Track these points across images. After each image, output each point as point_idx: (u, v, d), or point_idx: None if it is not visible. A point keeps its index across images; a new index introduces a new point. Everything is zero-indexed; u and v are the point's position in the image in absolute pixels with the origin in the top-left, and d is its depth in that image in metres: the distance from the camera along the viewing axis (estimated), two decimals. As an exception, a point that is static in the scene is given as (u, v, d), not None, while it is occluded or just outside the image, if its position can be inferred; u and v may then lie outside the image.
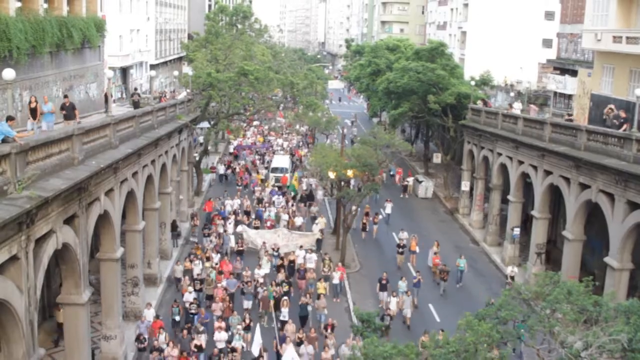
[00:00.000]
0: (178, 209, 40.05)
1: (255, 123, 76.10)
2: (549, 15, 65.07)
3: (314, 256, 33.34)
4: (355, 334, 22.91)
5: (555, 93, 46.29)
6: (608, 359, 16.49)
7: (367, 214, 41.26)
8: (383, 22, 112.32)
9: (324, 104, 66.70)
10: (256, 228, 38.25)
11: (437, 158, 55.46)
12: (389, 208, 43.79)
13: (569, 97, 43.59)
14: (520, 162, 35.18)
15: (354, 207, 36.31)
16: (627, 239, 24.52)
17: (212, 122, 47.79)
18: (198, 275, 30.35)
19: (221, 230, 37.45)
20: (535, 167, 33.19)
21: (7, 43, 23.22)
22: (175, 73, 58.44)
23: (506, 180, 38.02)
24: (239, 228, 37.17)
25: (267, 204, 43.01)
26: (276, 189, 47.01)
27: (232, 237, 36.24)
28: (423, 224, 44.15)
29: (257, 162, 58.43)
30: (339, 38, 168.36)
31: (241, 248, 34.56)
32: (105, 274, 24.19)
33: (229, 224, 38.11)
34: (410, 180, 52.46)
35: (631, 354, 15.38)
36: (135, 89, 42.49)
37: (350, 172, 35.28)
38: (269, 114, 66.53)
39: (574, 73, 43.06)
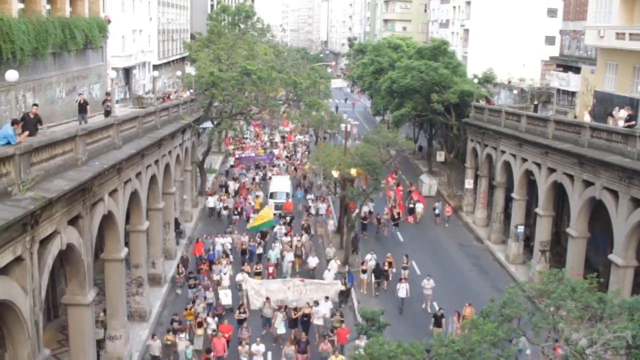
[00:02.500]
0: (182, 209, 40.10)
1: (252, 129, 68.91)
2: (552, 12, 64.97)
3: (322, 309, 26.68)
4: (360, 333, 22.89)
5: (558, 90, 46.18)
6: (613, 356, 16.48)
7: (390, 264, 32.63)
8: (385, 21, 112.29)
9: (326, 102, 66.67)
10: (257, 274, 31.00)
11: (440, 156, 55.42)
12: (428, 285, 30.31)
13: (572, 94, 43.50)
14: (524, 160, 35.12)
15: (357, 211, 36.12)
16: (631, 236, 24.46)
17: (215, 122, 47.86)
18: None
19: (217, 277, 30.77)
20: (538, 165, 33.14)
21: (10, 45, 23.27)
22: (178, 73, 58.56)
23: (510, 177, 37.97)
24: (239, 277, 29.92)
25: (260, 239, 35.43)
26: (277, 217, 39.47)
27: (227, 293, 28.84)
28: (426, 222, 44.10)
29: (256, 179, 51.44)
30: (341, 37, 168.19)
31: (244, 315, 26.58)
32: (109, 275, 24.25)
33: (224, 274, 30.50)
34: (420, 207, 44.28)
35: (635, 350, 15.35)
36: (107, 94, 31.61)
37: (353, 171, 35.26)
38: (269, 122, 66.04)
39: (577, 70, 42.95)
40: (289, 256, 33.24)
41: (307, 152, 62.47)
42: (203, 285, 29.41)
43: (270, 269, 32.31)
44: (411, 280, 31.70)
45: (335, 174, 36.05)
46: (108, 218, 22.50)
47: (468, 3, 72.64)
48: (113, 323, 24.23)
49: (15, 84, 17.97)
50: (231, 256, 33.26)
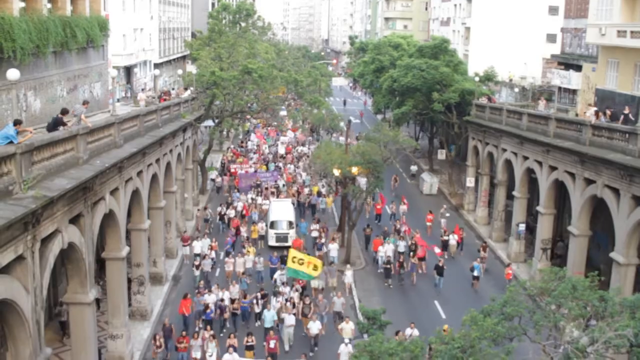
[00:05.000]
0: (183, 208, 40.11)
1: (254, 140, 61.43)
2: (553, 10, 64.85)
3: None
4: (361, 331, 22.88)
5: (559, 88, 46.14)
6: (614, 354, 16.47)
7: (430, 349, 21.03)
8: (387, 19, 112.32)
9: (327, 101, 66.51)
10: (248, 349, 23.46)
11: (441, 154, 55.41)
12: None
13: (574, 92, 43.45)
14: (525, 158, 35.10)
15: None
16: (632, 234, 24.43)
17: (216, 121, 47.87)
18: None
19: (196, 354, 23.17)
20: (540, 163, 33.12)
21: (11, 43, 23.24)
22: (179, 72, 58.61)
23: (511, 176, 37.95)
24: (227, 357, 21.97)
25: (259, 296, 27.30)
26: (274, 255, 32.44)
27: None
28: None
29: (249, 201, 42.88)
30: (342, 35, 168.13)
31: None
32: (111, 273, 24.26)
33: (209, 356, 22.80)
34: (453, 238, 37.48)
35: (637, 349, 15.38)
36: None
37: (355, 169, 35.26)
38: (271, 131, 65.25)
39: (578, 68, 42.91)
40: (289, 319, 25.37)
41: (310, 167, 49.17)
42: None
43: (272, 343, 23.50)
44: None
45: (336, 172, 36.05)
46: (109, 217, 22.50)
47: (469, 1, 72.50)
48: (114, 322, 24.22)
49: (17, 83, 17.96)
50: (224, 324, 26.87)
